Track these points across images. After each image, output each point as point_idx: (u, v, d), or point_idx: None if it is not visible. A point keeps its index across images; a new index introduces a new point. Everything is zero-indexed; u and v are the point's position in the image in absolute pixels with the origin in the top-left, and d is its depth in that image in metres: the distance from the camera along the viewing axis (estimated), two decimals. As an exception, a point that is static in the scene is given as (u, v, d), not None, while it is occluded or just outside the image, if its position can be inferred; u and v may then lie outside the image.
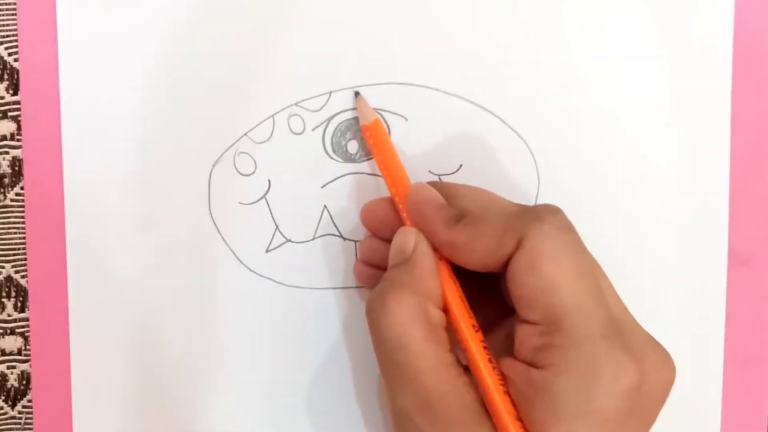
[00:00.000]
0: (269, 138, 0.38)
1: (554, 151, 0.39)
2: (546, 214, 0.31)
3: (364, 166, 0.38)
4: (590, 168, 0.39)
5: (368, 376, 0.39)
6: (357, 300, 0.39)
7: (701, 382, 0.40)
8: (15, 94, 0.38)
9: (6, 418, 0.40)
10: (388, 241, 0.34)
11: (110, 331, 0.39)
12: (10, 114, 0.38)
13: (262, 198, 0.38)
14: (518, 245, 0.30)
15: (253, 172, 0.38)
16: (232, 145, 0.38)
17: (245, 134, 0.38)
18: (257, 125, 0.38)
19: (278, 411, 0.39)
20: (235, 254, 0.38)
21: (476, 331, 0.32)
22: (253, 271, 0.39)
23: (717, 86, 0.39)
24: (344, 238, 0.39)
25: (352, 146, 0.38)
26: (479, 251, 0.31)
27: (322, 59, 0.38)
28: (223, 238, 0.38)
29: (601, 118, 0.39)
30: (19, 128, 0.38)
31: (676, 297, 0.39)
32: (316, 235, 0.39)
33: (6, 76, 0.38)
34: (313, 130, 0.38)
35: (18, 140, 0.38)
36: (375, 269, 0.36)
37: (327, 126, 0.38)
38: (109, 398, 0.39)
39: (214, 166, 0.38)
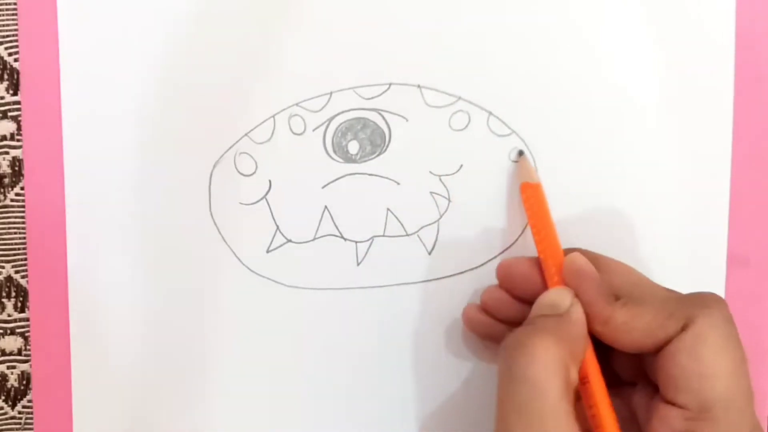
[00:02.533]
0: (270, 138, 0.38)
1: (554, 152, 0.39)
2: (714, 303, 0.32)
3: (365, 167, 0.38)
4: (590, 168, 0.39)
5: (368, 376, 0.39)
6: (357, 301, 0.39)
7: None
8: (15, 94, 0.38)
9: (6, 418, 0.40)
10: (517, 297, 0.36)
11: (110, 330, 0.39)
12: (10, 114, 0.38)
13: (262, 198, 0.38)
14: (683, 329, 0.31)
15: (254, 173, 0.38)
16: (232, 146, 0.38)
17: (246, 134, 0.38)
18: (258, 125, 0.38)
19: (278, 411, 0.39)
20: (235, 254, 0.38)
21: (610, 405, 0.32)
22: (253, 272, 0.39)
23: (718, 86, 0.39)
24: (345, 239, 0.39)
25: (353, 147, 0.38)
26: (638, 331, 0.31)
27: (323, 60, 0.38)
28: (223, 238, 0.38)
29: (601, 118, 0.39)
30: (19, 128, 0.38)
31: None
32: (317, 236, 0.39)
33: (6, 76, 0.38)
34: (313, 130, 0.38)
35: (18, 140, 0.38)
36: (489, 318, 0.37)
37: (328, 126, 0.38)
38: (109, 398, 0.39)
39: (214, 166, 0.38)
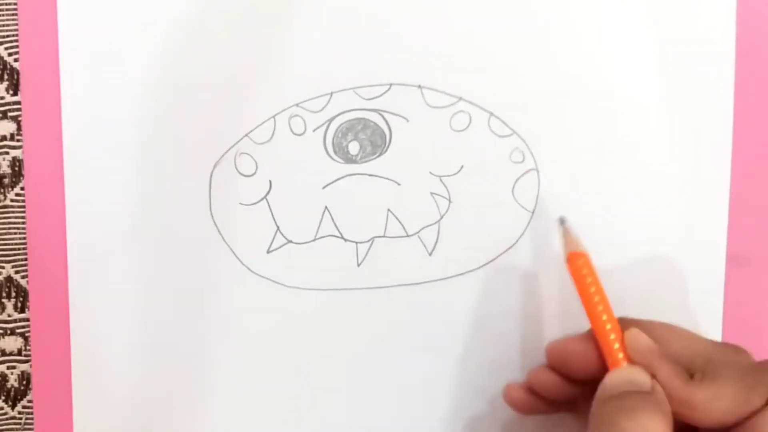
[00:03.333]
0: (270, 139, 0.38)
1: (555, 152, 0.39)
2: None
3: (365, 167, 0.38)
4: (590, 168, 0.39)
5: (368, 377, 0.39)
6: (358, 301, 0.39)
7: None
8: (15, 94, 0.38)
9: (6, 419, 0.40)
10: (569, 378, 0.34)
11: (110, 331, 0.39)
12: (10, 114, 0.38)
13: (263, 199, 0.38)
14: (763, 404, 0.30)
15: (254, 173, 0.38)
16: (233, 146, 0.38)
17: (246, 135, 0.38)
18: (258, 126, 0.38)
19: (278, 412, 0.39)
20: (235, 255, 0.38)
21: None
22: (253, 272, 0.39)
23: (719, 86, 0.39)
24: (345, 240, 0.39)
25: (353, 147, 0.38)
26: (720, 410, 0.30)
27: (323, 60, 0.38)
28: (223, 238, 0.38)
29: (601, 119, 0.39)
30: (19, 128, 0.38)
31: (675, 298, 0.39)
32: (317, 236, 0.39)
33: (6, 77, 0.38)
34: (314, 131, 0.38)
35: (18, 140, 0.38)
36: (533, 397, 0.36)
37: (328, 127, 0.38)
38: (109, 398, 0.39)
39: (215, 166, 0.38)
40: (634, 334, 0.32)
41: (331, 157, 0.38)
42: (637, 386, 0.31)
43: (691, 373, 0.31)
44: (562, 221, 0.36)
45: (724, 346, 0.33)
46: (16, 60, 0.38)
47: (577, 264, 0.35)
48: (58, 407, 0.39)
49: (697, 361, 0.32)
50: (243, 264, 0.38)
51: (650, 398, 0.30)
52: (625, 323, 0.33)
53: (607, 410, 0.30)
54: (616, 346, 0.32)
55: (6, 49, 0.38)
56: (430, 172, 0.38)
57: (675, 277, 0.39)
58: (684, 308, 0.39)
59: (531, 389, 0.36)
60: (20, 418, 0.40)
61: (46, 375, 0.39)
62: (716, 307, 0.40)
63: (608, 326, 0.33)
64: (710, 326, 0.40)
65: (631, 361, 0.32)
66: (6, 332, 0.39)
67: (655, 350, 0.32)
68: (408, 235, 0.39)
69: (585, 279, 0.34)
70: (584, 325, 0.37)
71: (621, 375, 0.32)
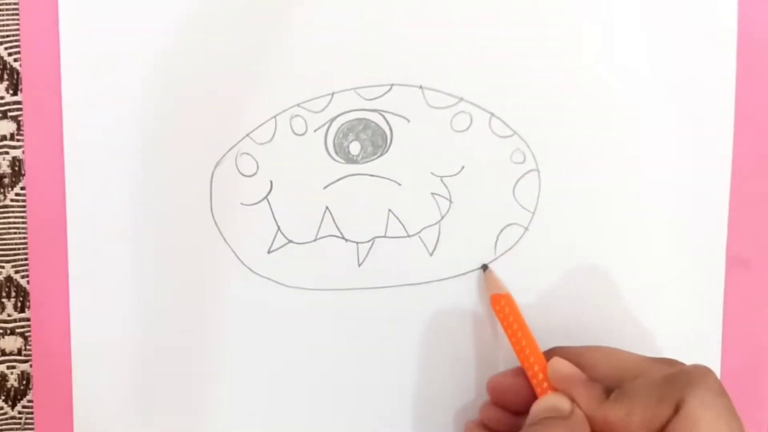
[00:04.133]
0: (271, 139, 0.38)
1: (555, 152, 0.39)
2: (699, 378, 0.31)
3: (366, 168, 0.38)
4: (591, 168, 0.39)
5: (369, 377, 0.39)
6: (358, 301, 0.39)
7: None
8: (15, 94, 0.38)
9: (6, 418, 0.40)
10: (510, 411, 0.36)
11: (111, 331, 0.39)
12: (10, 114, 0.38)
13: (263, 199, 0.38)
14: (675, 411, 0.31)
15: (255, 173, 0.38)
16: (234, 146, 0.38)
17: (247, 135, 0.38)
18: (259, 126, 0.38)
19: (279, 411, 0.39)
20: (236, 255, 0.38)
21: None
22: (254, 272, 0.38)
23: (720, 87, 0.39)
24: (346, 240, 0.39)
25: (354, 147, 0.38)
26: (635, 424, 0.31)
27: (324, 60, 0.38)
28: (224, 239, 0.38)
29: (602, 119, 0.39)
30: (19, 128, 0.38)
31: (675, 299, 0.40)
32: (318, 237, 0.39)
33: (6, 76, 0.38)
34: (315, 131, 0.38)
35: (18, 140, 0.38)
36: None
37: (329, 127, 0.38)
38: (109, 398, 0.39)
39: (216, 166, 0.38)
40: (554, 363, 0.34)
41: (332, 157, 0.38)
42: (558, 412, 0.33)
43: (615, 392, 0.32)
44: (484, 268, 0.38)
45: (657, 361, 0.34)
46: (16, 60, 0.38)
47: (500, 304, 0.37)
48: (58, 407, 0.39)
49: (626, 380, 0.33)
50: (244, 264, 0.38)
51: (566, 423, 0.32)
52: (552, 353, 0.35)
53: None
54: (541, 376, 0.35)
55: (6, 49, 0.38)
56: (431, 173, 0.38)
57: (675, 277, 0.39)
58: (684, 308, 0.40)
59: (484, 425, 0.37)
60: (20, 418, 0.40)
61: (46, 375, 0.39)
62: (716, 307, 0.40)
63: (532, 359, 0.35)
64: (710, 326, 0.40)
65: (555, 389, 0.34)
66: (6, 332, 0.39)
67: (574, 376, 0.33)
68: (409, 236, 0.39)
69: (508, 318, 0.37)
70: (584, 325, 0.37)
71: (543, 403, 0.34)
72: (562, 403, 0.33)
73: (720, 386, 0.32)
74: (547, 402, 0.33)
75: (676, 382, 0.31)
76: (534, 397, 0.34)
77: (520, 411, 0.36)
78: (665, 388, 0.31)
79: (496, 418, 0.37)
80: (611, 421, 0.32)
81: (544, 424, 0.32)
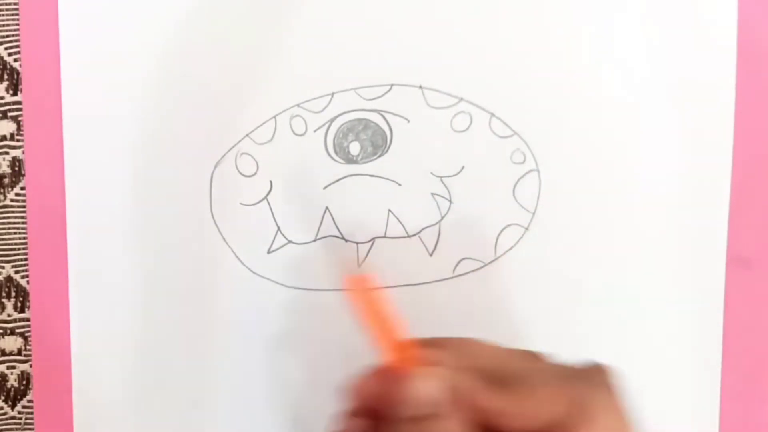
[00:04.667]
0: (271, 139, 0.38)
1: (555, 152, 0.39)
2: (597, 378, 0.31)
3: (366, 168, 0.38)
4: (591, 168, 0.39)
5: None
6: (358, 301, 0.39)
7: (699, 385, 0.40)
8: (15, 94, 0.38)
9: (6, 418, 0.40)
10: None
11: (111, 331, 0.39)
12: (10, 114, 0.38)
13: (263, 199, 0.38)
14: (569, 407, 0.30)
15: (255, 173, 0.38)
16: (234, 146, 0.38)
17: (247, 135, 0.38)
18: (259, 126, 0.38)
19: (279, 411, 0.39)
20: (236, 255, 0.38)
21: None
22: (254, 273, 0.38)
23: (720, 87, 0.39)
24: (346, 240, 0.39)
25: (354, 148, 0.38)
26: (528, 416, 0.30)
27: (325, 61, 0.38)
28: (224, 239, 0.38)
29: (602, 119, 0.39)
30: (19, 128, 0.38)
31: (675, 299, 0.40)
32: (318, 237, 0.39)
33: (6, 77, 0.38)
34: (315, 131, 0.38)
35: (18, 140, 0.38)
36: None
37: (329, 127, 0.38)
38: (109, 398, 0.39)
39: (215, 167, 0.38)
40: (431, 353, 0.31)
41: (332, 157, 0.38)
42: (433, 406, 0.30)
43: (496, 382, 0.30)
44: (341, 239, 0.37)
45: (525, 353, 0.32)
46: (16, 60, 0.38)
47: (357, 285, 0.32)
48: (58, 407, 0.39)
49: (504, 370, 0.31)
50: (243, 264, 0.38)
51: (443, 419, 0.29)
52: (423, 343, 0.32)
53: None
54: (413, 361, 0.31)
55: (6, 49, 0.38)
56: (431, 173, 0.38)
57: (675, 277, 0.39)
58: (684, 308, 0.39)
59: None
60: (20, 418, 0.40)
61: (46, 375, 0.39)
62: (716, 307, 0.40)
63: (396, 341, 0.31)
64: (710, 326, 0.40)
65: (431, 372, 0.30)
66: (6, 332, 0.39)
67: (457, 365, 0.31)
68: (409, 236, 0.39)
69: (368, 301, 0.32)
70: (583, 324, 0.37)
71: (418, 389, 0.30)
72: (432, 390, 0.30)
73: (617, 386, 0.31)
74: (419, 385, 0.30)
75: (571, 378, 0.31)
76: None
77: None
78: (562, 382, 0.30)
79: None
80: (503, 411, 0.30)
81: (415, 422, 0.29)
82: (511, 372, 0.31)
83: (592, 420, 0.29)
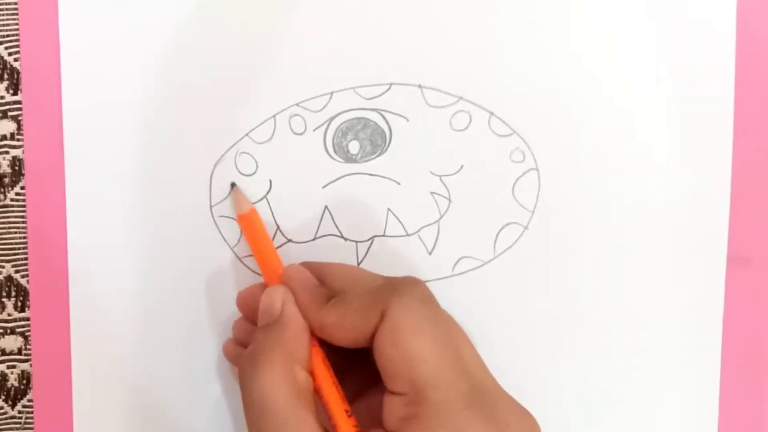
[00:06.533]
0: (270, 138, 0.38)
1: (555, 152, 0.39)
2: (405, 287, 0.32)
3: (366, 167, 0.38)
4: (591, 168, 0.39)
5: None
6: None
7: (698, 385, 0.40)
8: (15, 94, 0.38)
9: (6, 418, 0.40)
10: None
11: (110, 330, 0.39)
12: (10, 114, 0.38)
13: (263, 198, 0.38)
14: (381, 319, 0.31)
15: (254, 173, 0.38)
16: (233, 145, 0.38)
17: (246, 134, 0.38)
18: (258, 125, 0.38)
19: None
20: (236, 254, 0.38)
21: (342, 401, 0.32)
22: (254, 272, 0.38)
23: (719, 87, 0.39)
24: (345, 239, 0.39)
25: (353, 147, 0.38)
26: (348, 329, 0.32)
27: (324, 59, 0.38)
28: (224, 238, 0.38)
29: (601, 119, 0.39)
30: (19, 128, 0.38)
31: (674, 298, 0.39)
32: (317, 236, 0.39)
33: (6, 76, 0.38)
34: (314, 130, 0.38)
35: (18, 140, 0.38)
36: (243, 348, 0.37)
37: (328, 126, 0.38)
38: (109, 398, 0.39)
39: (215, 166, 0.38)
40: (287, 268, 0.35)
41: (331, 156, 0.38)
42: (270, 314, 0.33)
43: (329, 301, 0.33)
44: (232, 185, 0.38)
45: (375, 276, 0.35)
46: (16, 60, 0.38)
47: (245, 222, 0.37)
48: (58, 407, 0.39)
49: (342, 289, 0.34)
50: (243, 263, 0.38)
51: (266, 335, 0.33)
52: (302, 266, 0.35)
53: (241, 364, 0.33)
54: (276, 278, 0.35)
55: (6, 48, 0.38)
56: (430, 172, 0.38)
57: (675, 277, 0.39)
58: (684, 308, 0.39)
59: (239, 341, 0.37)
60: (20, 418, 0.40)
61: (46, 375, 0.39)
62: (716, 307, 0.39)
63: (270, 268, 0.36)
64: (710, 326, 0.40)
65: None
66: (6, 332, 0.39)
67: (301, 281, 0.34)
68: (408, 235, 0.39)
69: (252, 234, 0.37)
70: (583, 323, 0.37)
71: (263, 305, 0.34)
72: (275, 302, 0.33)
73: (427, 294, 0.33)
74: (263, 305, 0.34)
75: (383, 290, 0.32)
76: None
77: None
78: (374, 294, 0.32)
79: (245, 331, 0.37)
80: (327, 325, 0.32)
81: (257, 341, 0.33)
82: (347, 288, 0.34)
83: (398, 326, 0.31)
